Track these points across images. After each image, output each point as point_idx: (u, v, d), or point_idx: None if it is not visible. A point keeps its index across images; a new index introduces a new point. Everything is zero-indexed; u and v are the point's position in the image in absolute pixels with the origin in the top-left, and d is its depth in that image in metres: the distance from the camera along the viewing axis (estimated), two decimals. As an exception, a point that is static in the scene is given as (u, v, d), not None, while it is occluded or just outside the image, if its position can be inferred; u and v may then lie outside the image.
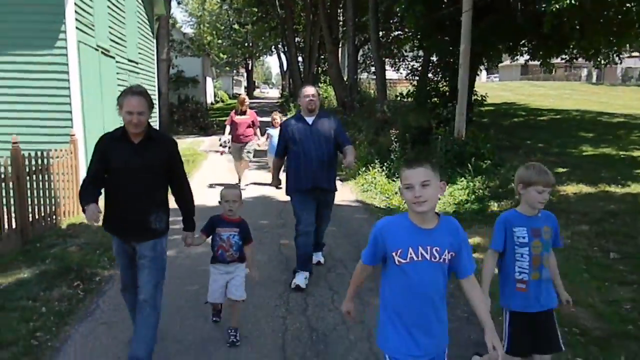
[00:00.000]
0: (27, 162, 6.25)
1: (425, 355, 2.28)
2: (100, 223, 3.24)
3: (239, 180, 9.89)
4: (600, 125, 15.32)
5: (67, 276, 4.85)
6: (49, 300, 4.31)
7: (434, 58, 14.20)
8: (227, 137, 9.98)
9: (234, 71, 67.94)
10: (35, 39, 7.63)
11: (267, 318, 4.19)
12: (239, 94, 11.21)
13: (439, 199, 2.26)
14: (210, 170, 12.25)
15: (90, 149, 3.48)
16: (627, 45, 9.87)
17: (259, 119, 10.21)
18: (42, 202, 6.59)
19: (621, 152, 11.02)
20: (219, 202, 3.74)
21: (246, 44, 53.37)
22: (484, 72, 55.89)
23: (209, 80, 40.86)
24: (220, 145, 10.17)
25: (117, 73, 10.21)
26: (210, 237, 3.74)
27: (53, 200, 6.91)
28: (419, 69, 15.68)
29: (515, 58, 14.90)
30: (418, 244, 2.22)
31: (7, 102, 7.68)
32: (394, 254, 2.23)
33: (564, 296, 3.03)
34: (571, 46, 10.26)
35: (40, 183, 6.57)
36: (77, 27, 7.85)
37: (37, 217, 6.45)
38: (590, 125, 15.48)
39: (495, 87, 33.66)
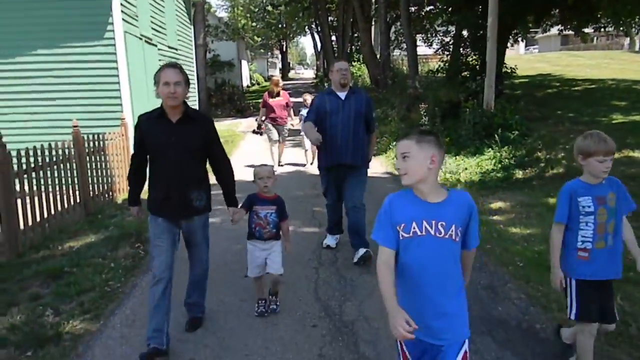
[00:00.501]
0: (86, 144, 6.99)
1: (439, 340, 2.13)
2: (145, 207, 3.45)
3: (278, 163, 10.04)
4: (634, 94, 15.18)
5: (128, 239, 5.58)
6: (116, 258, 5.04)
7: (464, 32, 14.35)
8: (261, 119, 10.04)
9: (269, 53, 68.50)
10: (85, 32, 8.36)
11: (302, 269, 4.79)
12: (273, 76, 11.25)
13: (429, 169, 2.09)
14: (249, 149, 12.90)
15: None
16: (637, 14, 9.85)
17: (294, 100, 10.62)
18: (99, 180, 7.34)
19: (652, 119, 11.07)
20: (253, 180, 3.79)
21: (280, 26, 53.76)
22: (521, 44, 54.95)
23: (244, 63, 41.55)
24: (257, 127, 10.29)
25: (159, 60, 10.92)
26: (248, 213, 3.79)
27: (109, 178, 7.66)
28: (451, 43, 15.82)
29: (548, 29, 14.91)
30: (422, 218, 2.10)
31: (64, 90, 8.46)
32: (398, 227, 2.11)
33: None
34: (599, 15, 10.29)
35: (98, 163, 7.32)
36: (123, 19, 8.53)
37: (96, 192, 7.22)
38: (624, 93, 15.35)
39: (532, 59, 33.16)
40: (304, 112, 9.57)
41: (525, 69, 25.76)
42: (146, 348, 3.19)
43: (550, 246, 2.91)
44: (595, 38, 43.35)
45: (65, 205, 6.32)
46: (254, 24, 49.81)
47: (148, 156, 3.39)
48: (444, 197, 2.14)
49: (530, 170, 8.61)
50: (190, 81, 14.10)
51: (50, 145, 6.13)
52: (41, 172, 5.88)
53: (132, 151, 8.17)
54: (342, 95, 4.88)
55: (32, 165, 5.71)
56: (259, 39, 50.33)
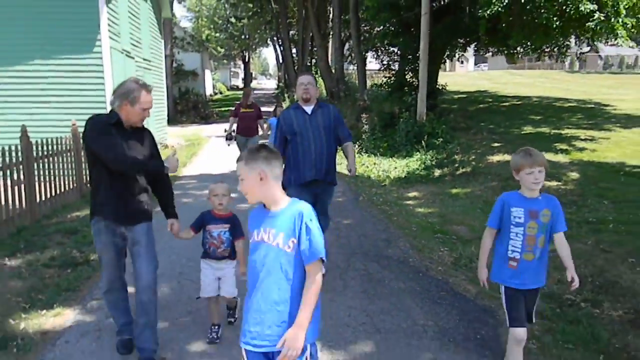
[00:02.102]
0: (80, 140, 8.53)
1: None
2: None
3: None
4: (551, 109, 17.59)
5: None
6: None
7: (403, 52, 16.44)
8: (231, 129, 9.89)
9: (232, 63, 69.96)
10: (77, 46, 9.88)
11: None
12: (245, 87, 11.74)
13: (261, 186, 2.19)
14: (214, 150, 14.53)
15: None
16: (539, 43, 12.07)
17: (263, 110, 10.57)
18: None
19: (554, 130, 13.29)
20: (208, 197, 3.68)
21: (243, 37, 55.40)
22: (471, 62, 58.30)
23: (207, 72, 42.95)
24: (226, 137, 10.04)
25: (136, 71, 12.47)
26: (201, 232, 3.68)
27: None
28: (394, 61, 17.91)
29: (481, 51, 17.21)
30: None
31: (58, 95, 9.93)
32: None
33: (571, 274, 3.03)
34: (510, 42, 12.45)
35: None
36: (109, 36, 10.11)
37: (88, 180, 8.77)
38: (542, 109, 17.75)
39: (476, 76, 35.95)
40: (273, 120, 9.73)
41: (468, 86, 28.33)
42: (118, 340, 3.50)
43: (480, 247, 3.16)
44: (538, 58, 46.88)
45: (66, 188, 7.87)
46: (217, 34, 51.35)
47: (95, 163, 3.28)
48: (281, 207, 2.22)
49: (446, 169, 10.58)
50: (160, 90, 15.69)
51: (55, 139, 7.69)
52: (51, 159, 7.44)
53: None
54: (309, 109, 4.71)
55: (45, 153, 7.27)
56: (222, 49, 51.75)
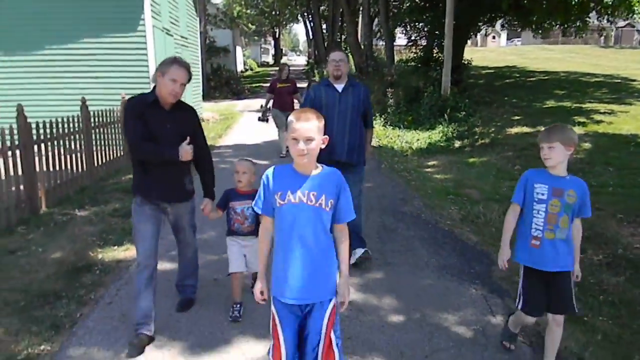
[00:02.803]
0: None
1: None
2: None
3: (286, 150, 9.37)
4: (577, 84, 17.78)
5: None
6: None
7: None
8: (267, 106, 10.02)
9: (262, 40, 70.55)
10: (123, 25, 10.72)
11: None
12: (280, 63, 11.28)
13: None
14: (247, 124, 15.35)
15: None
16: (560, 19, 12.39)
17: (299, 86, 10.69)
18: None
19: (575, 104, 13.64)
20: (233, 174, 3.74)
21: (273, 13, 55.85)
22: (503, 37, 57.56)
23: (238, 49, 43.67)
24: (263, 114, 10.17)
25: (175, 48, 13.31)
26: (225, 210, 3.73)
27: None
28: (421, 37, 18.35)
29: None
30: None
31: (106, 71, 10.84)
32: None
33: (577, 269, 2.99)
34: (534, 19, 12.82)
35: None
36: (152, 16, 10.92)
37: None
38: (567, 84, 17.95)
39: (506, 52, 35.81)
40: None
41: (497, 61, 28.42)
42: (134, 335, 3.30)
43: (504, 225, 3.04)
44: (574, 32, 46.01)
45: (118, 154, 8.81)
46: (248, 11, 51.90)
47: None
48: (319, 172, 2.38)
49: (467, 141, 11.16)
50: (196, 66, 16.53)
51: (107, 111, 8.60)
52: (105, 129, 8.36)
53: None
54: (340, 87, 4.61)
55: (101, 122, 8.19)
56: (253, 26, 52.33)
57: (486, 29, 17.21)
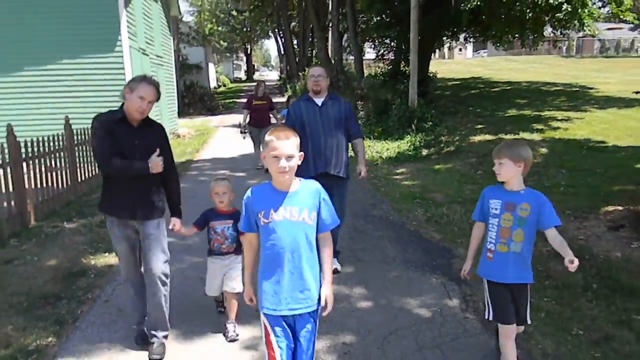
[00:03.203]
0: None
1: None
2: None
3: (263, 166, 9.44)
4: (537, 93, 18.70)
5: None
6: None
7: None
8: (245, 122, 10.19)
9: (234, 56, 71.06)
10: (100, 46, 11.09)
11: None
12: (259, 80, 11.43)
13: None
14: (222, 138, 15.74)
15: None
16: (516, 33, 13.23)
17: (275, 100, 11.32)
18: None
19: (535, 112, 14.43)
20: (210, 195, 3.74)
21: (245, 30, 56.47)
22: (470, 49, 59.28)
23: (211, 66, 44.06)
24: (241, 131, 10.41)
25: (151, 67, 13.69)
26: (206, 229, 3.75)
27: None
28: (390, 51, 19.09)
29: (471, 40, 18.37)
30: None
31: (83, 90, 11.16)
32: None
33: (569, 258, 2.79)
34: (493, 33, 13.63)
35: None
36: (128, 37, 11.32)
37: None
38: (529, 93, 18.86)
39: (472, 63, 36.99)
40: (285, 112, 9.04)
41: (463, 73, 29.41)
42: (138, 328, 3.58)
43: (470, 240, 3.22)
44: (530, 44, 47.85)
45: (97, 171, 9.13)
46: (219, 28, 52.41)
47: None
48: (297, 187, 2.49)
49: (433, 149, 11.78)
50: (170, 83, 16.91)
51: (87, 129, 8.92)
52: (86, 146, 8.70)
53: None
54: (319, 101, 4.69)
55: (82, 140, 8.53)
56: (225, 42, 52.77)
57: (450, 42, 17.95)
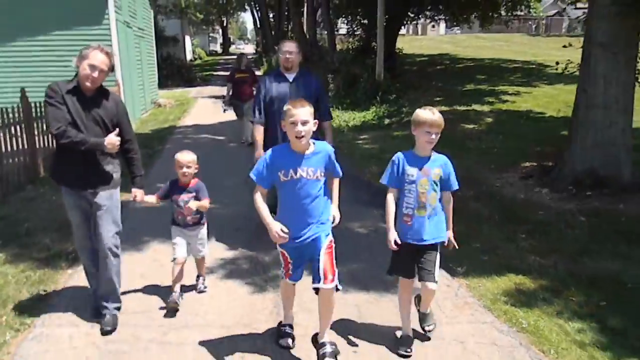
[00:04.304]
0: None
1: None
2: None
3: (246, 139, 9.77)
4: (497, 70, 20.05)
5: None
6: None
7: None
8: (228, 95, 10.26)
9: (210, 28, 70.89)
10: (88, 19, 11.94)
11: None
12: (242, 53, 11.63)
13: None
14: (201, 108, 16.76)
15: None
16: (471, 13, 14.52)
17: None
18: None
19: (490, 87, 15.80)
20: (175, 167, 3.78)
21: (221, 2, 56.49)
22: (442, 26, 60.44)
23: (187, 38, 44.30)
24: (225, 103, 10.52)
25: (134, 39, 14.57)
26: (170, 200, 3.82)
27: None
28: (360, 28, 20.20)
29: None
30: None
31: (68, 64, 12.02)
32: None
33: (450, 235, 3.23)
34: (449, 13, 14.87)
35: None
36: (115, 11, 12.20)
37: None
38: (490, 70, 20.20)
39: (443, 40, 38.21)
40: None
41: (432, 49, 30.60)
42: (106, 311, 3.57)
43: (385, 210, 3.19)
44: (508, 21, 49.29)
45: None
46: (196, 0, 52.39)
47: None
48: (313, 150, 2.95)
49: (395, 119, 13.04)
50: (151, 56, 17.75)
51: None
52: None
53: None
54: (290, 77, 4.71)
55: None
56: (201, 15, 52.79)
57: (415, 21, 19.13)
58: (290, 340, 3.29)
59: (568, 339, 3.38)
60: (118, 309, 3.62)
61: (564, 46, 8.41)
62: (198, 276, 4.12)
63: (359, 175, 7.75)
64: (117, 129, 3.38)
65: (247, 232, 5.42)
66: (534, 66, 20.97)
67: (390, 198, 3.17)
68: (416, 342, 3.34)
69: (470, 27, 30.68)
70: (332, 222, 3.09)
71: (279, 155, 2.97)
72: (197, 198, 3.77)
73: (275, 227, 2.92)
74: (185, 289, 4.04)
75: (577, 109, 6.54)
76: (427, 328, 3.42)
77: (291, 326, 3.38)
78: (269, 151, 3.03)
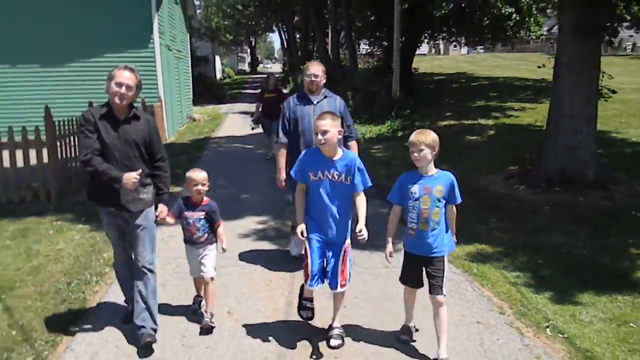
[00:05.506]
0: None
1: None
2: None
3: (271, 154, 9.95)
4: (509, 88, 21.17)
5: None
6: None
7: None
8: (257, 113, 10.71)
9: (239, 48, 73.45)
10: (136, 43, 13.60)
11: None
12: (269, 73, 12.30)
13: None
14: (232, 122, 18.32)
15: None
16: (477, 37, 15.81)
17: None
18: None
19: (499, 103, 16.99)
20: (184, 186, 3.83)
21: (250, 23, 58.79)
22: (464, 48, 61.68)
23: (217, 58, 46.52)
24: (254, 121, 10.94)
25: (174, 60, 16.25)
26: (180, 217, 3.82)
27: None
28: (380, 49, 21.67)
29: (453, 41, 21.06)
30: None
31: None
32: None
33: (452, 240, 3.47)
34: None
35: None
36: (159, 36, 13.87)
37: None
38: (502, 87, 21.36)
39: (462, 59, 39.45)
40: None
41: (451, 68, 31.88)
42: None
43: (388, 224, 3.48)
44: (529, 41, 50.27)
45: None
46: (225, 22, 54.78)
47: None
48: (340, 156, 3.40)
49: (407, 131, 14.31)
50: (187, 74, 19.47)
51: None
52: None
53: (164, 122, 13.60)
54: (315, 99, 4.73)
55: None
56: (231, 36, 55.04)
57: (429, 43, 20.48)
58: (310, 313, 3.69)
59: (505, 280, 4.65)
60: (154, 330, 3.60)
61: (539, 67, 9.67)
62: (205, 310, 3.89)
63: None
64: (140, 170, 3.43)
65: (272, 213, 6.96)
66: (544, 84, 22.04)
67: (393, 214, 3.47)
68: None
69: (493, 47, 31.85)
70: (362, 237, 3.31)
71: (311, 157, 3.46)
72: (209, 218, 3.82)
73: (300, 227, 3.44)
74: (191, 317, 4.02)
75: (550, 118, 7.77)
76: None
77: (311, 300, 3.71)
78: (304, 152, 3.60)
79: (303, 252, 3.50)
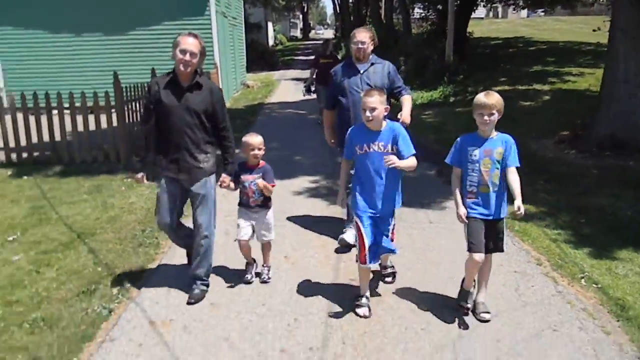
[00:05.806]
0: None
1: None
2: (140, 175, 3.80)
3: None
4: (568, 52, 20.49)
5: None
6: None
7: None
8: (311, 79, 10.64)
9: (291, 14, 73.28)
10: (192, 10, 14.03)
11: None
12: (326, 39, 12.24)
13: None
14: (284, 89, 18.72)
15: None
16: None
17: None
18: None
19: (555, 69, 16.53)
20: (242, 150, 3.86)
21: (302, -12, 58.55)
22: (524, 10, 59.17)
23: (269, 24, 46.72)
24: (307, 87, 10.89)
25: (229, 27, 16.67)
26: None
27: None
28: (434, 12, 21.35)
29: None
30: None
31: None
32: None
33: (518, 204, 3.17)
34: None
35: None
36: (215, 2, 14.25)
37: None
38: (562, 52, 20.66)
39: (521, 23, 38.03)
40: None
41: (508, 32, 30.87)
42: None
43: (452, 187, 3.45)
44: (594, 3, 47.80)
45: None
46: (279, -13, 54.71)
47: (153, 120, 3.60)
48: (384, 127, 3.47)
49: (459, 97, 14.30)
50: (242, 41, 19.87)
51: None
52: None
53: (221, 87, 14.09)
54: (362, 67, 4.55)
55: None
56: (283, 2, 54.97)
57: (486, 5, 19.93)
58: (367, 310, 3.57)
59: (545, 236, 4.86)
60: (206, 285, 3.88)
61: (594, 30, 9.41)
62: (263, 265, 4.14)
63: (417, 141, 9.23)
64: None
65: (324, 173, 7.35)
66: (604, 48, 21.11)
67: (454, 177, 3.45)
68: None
69: (553, 10, 30.55)
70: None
71: (357, 133, 3.57)
72: (264, 179, 3.86)
73: (340, 200, 3.80)
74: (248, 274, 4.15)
75: (604, 83, 7.71)
76: (481, 316, 3.46)
77: (367, 297, 3.66)
78: (350, 130, 3.67)
79: (358, 235, 3.51)
